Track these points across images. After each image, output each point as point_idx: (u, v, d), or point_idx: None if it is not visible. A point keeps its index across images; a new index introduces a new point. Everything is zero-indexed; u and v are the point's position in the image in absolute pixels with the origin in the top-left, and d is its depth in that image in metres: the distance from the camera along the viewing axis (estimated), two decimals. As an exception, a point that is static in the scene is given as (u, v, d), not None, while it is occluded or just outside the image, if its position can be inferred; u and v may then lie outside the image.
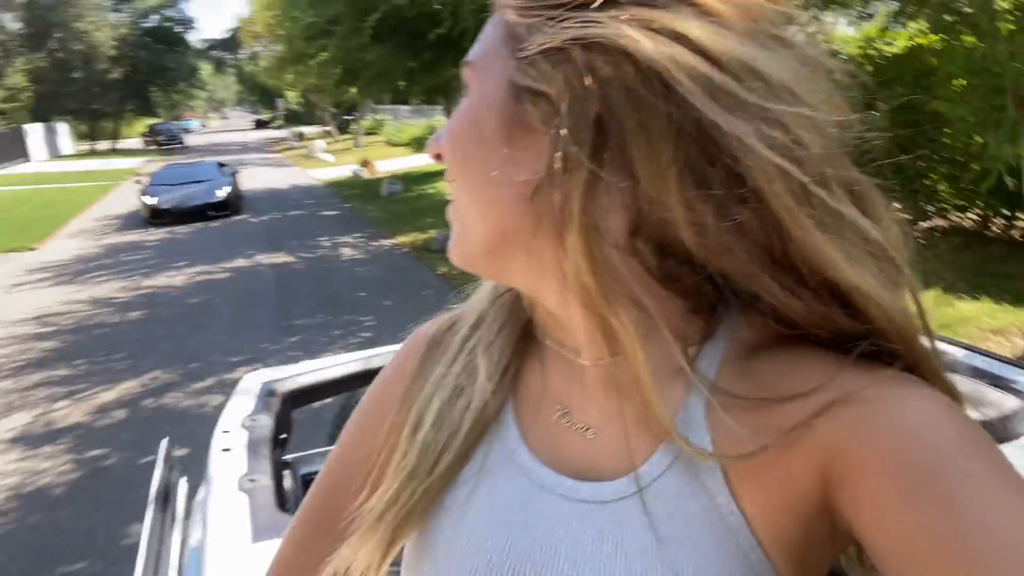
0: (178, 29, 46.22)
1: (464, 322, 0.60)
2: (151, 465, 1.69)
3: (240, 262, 9.77)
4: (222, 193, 13.71)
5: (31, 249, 11.68)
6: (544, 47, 0.43)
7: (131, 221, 14.08)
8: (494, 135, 0.46)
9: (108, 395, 5.40)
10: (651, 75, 0.40)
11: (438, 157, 0.52)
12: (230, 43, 55.83)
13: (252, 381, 1.84)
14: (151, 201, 13.40)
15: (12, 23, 18.57)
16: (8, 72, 18.42)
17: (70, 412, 5.14)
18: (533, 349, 0.57)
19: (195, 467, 1.76)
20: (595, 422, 0.52)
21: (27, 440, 4.74)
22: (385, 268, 9.06)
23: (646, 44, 0.40)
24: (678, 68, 0.40)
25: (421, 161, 20.54)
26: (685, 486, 0.46)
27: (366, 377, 1.86)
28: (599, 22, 0.41)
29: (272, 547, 0.71)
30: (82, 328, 7.24)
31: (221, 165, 15.94)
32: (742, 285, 0.45)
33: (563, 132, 0.42)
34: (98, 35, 36.56)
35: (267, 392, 1.74)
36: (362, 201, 14.74)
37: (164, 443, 1.67)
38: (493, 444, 0.55)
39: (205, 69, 58.33)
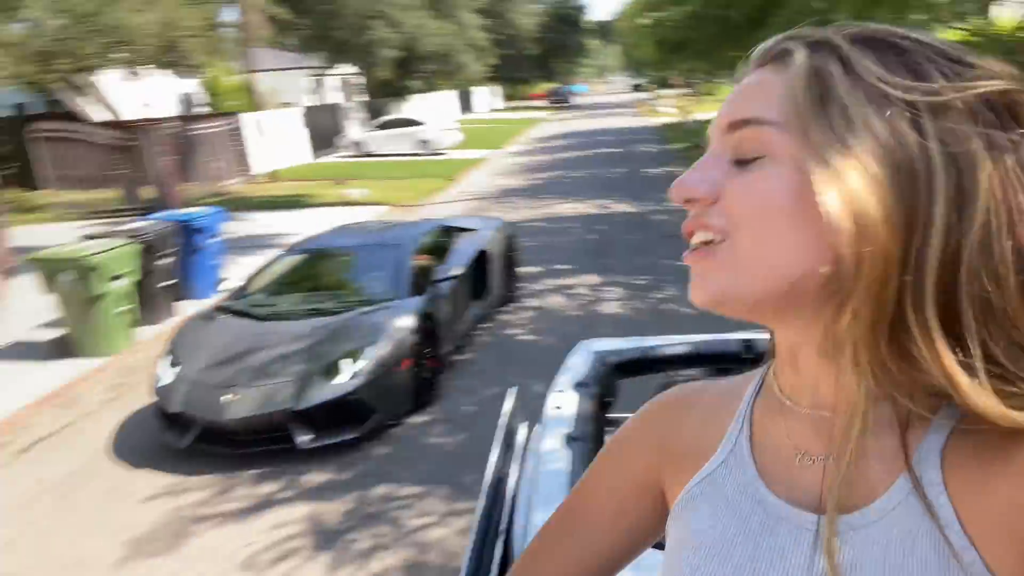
0: (574, 14, 59.77)
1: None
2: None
3: (593, 150, 20.72)
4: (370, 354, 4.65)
5: (500, 148, 24.26)
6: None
7: (540, 147, 26.10)
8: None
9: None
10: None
11: (688, 203, 0.52)
12: (612, 24, 68.54)
13: (585, 349, 1.99)
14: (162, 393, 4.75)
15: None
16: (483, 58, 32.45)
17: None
18: (767, 404, 0.60)
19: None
20: (822, 458, 0.54)
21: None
22: (660, 154, 19.28)
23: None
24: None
25: (725, 111, 29.76)
26: (917, 519, 0.47)
27: (688, 360, 2.13)
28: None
29: None
30: (551, 174, 18.78)
31: (450, 230, 6.71)
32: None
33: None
34: (525, 21, 51.27)
35: (599, 361, 1.91)
36: (669, 131, 24.85)
37: (512, 391, 1.77)
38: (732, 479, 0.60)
39: (593, 44, 71.91)
